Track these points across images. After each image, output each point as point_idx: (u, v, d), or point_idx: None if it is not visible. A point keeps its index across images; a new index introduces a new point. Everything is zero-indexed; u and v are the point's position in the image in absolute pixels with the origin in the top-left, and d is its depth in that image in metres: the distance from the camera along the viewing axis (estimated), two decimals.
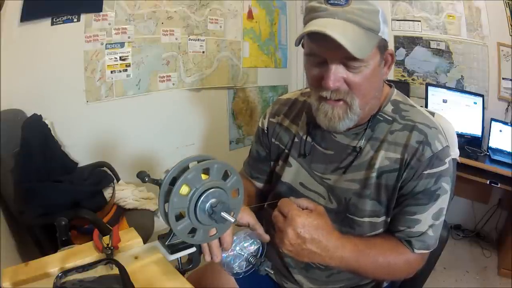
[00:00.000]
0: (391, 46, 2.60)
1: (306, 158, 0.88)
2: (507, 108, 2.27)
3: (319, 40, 0.66)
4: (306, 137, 0.88)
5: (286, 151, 0.92)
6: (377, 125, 0.80)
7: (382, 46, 0.72)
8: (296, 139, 0.91)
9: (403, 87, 2.48)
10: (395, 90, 0.85)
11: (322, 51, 0.70)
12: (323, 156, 0.86)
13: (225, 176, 0.66)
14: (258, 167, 1.02)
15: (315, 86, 0.75)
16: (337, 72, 0.69)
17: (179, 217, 0.63)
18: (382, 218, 0.80)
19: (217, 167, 0.64)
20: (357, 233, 0.81)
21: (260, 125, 1.01)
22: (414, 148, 0.75)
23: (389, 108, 0.81)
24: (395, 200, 0.78)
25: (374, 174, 0.78)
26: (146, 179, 0.64)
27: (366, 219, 0.80)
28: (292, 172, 0.90)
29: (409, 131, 0.77)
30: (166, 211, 0.62)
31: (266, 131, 0.98)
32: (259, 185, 1.03)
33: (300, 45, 0.75)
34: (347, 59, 0.68)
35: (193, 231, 0.66)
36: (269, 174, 1.01)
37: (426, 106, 2.32)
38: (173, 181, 0.61)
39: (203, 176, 0.63)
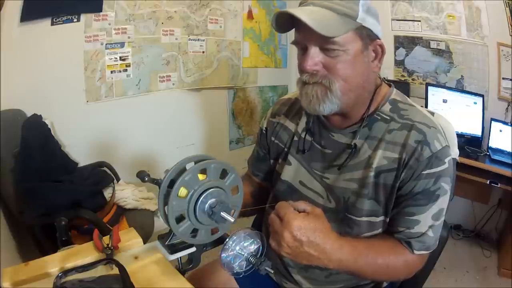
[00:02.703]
0: (391, 45, 2.61)
1: (305, 156, 0.88)
2: (507, 108, 2.27)
3: (297, 27, 0.73)
4: (305, 135, 0.88)
5: (286, 149, 0.93)
6: (374, 124, 0.80)
7: (364, 34, 0.72)
8: (295, 137, 0.91)
9: (403, 87, 2.48)
10: (394, 89, 0.85)
11: (300, 36, 0.74)
12: (322, 155, 0.86)
13: (223, 174, 0.66)
14: (258, 166, 1.04)
15: (298, 72, 0.78)
16: (314, 56, 0.72)
17: (180, 218, 0.63)
18: (381, 218, 0.80)
19: (214, 167, 0.64)
20: (355, 232, 0.81)
21: (260, 126, 1.02)
22: (413, 148, 0.74)
23: (387, 107, 0.81)
24: (393, 200, 0.78)
25: (372, 174, 0.78)
26: (146, 178, 0.64)
27: (365, 219, 0.80)
28: (292, 171, 0.90)
29: (407, 130, 0.76)
30: (167, 213, 0.62)
31: (265, 131, 0.99)
32: (259, 181, 1.05)
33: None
34: (322, 42, 0.70)
35: (194, 231, 0.66)
36: (268, 172, 1.01)
37: (426, 106, 2.32)
38: (171, 184, 0.61)
39: (201, 177, 0.63)
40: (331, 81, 0.73)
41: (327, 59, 0.72)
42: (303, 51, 0.74)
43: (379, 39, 0.75)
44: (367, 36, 0.73)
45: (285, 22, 0.73)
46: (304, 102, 0.78)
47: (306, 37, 0.72)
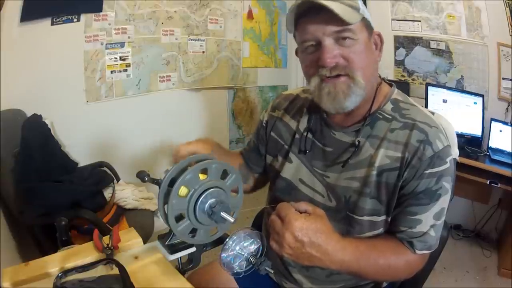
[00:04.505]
0: (391, 46, 2.61)
1: (306, 155, 0.88)
2: (507, 108, 2.26)
3: (310, 19, 0.72)
4: (307, 134, 0.88)
5: (286, 147, 0.93)
6: (376, 123, 0.80)
7: (368, 25, 0.76)
8: (296, 135, 0.91)
9: (403, 87, 2.48)
10: (396, 89, 0.85)
11: (313, 30, 0.73)
12: (323, 153, 0.86)
13: (224, 175, 0.66)
14: (252, 156, 1.04)
15: (313, 70, 0.76)
16: (332, 48, 0.72)
17: (180, 217, 0.63)
18: (382, 217, 0.80)
19: (215, 167, 0.64)
20: (356, 231, 0.81)
21: (260, 118, 1.02)
22: (415, 147, 0.75)
23: (388, 106, 0.81)
24: (395, 199, 0.78)
25: (374, 172, 0.78)
26: (146, 178, 0.64)
27: (366, 218, 0.80)
28: (293, 168, 0.90)
29: (409, 129, 0.77)
30: (166, 212, 0.62)
31: (265, 125, 0.99)
32: (255, 176, 1.05)
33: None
34: (337, 32, 0.71)
35: (193, 231, 0.66)
36: (262, 165, 1.02)
37: (426, 106, 2.32)
38: (172, 183, 0.61)
39: (202, 176, 0.63)
40: (353, 70, 0.73)
41: (343, 50, 0.72)
42: (315, 48, 0.74)
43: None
44: (370, 27, 0.76)
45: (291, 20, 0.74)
46: (326, 101, 0.76)
47: (320, 30, 0.72)
